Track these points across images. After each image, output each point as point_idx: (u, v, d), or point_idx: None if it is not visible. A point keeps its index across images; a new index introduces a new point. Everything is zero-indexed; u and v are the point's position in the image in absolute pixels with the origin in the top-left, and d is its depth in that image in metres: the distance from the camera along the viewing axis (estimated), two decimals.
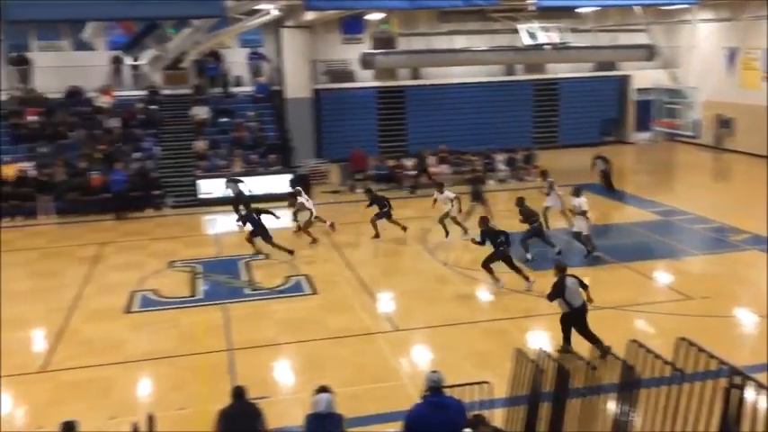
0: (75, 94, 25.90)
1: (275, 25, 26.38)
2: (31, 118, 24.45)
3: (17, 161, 22.69)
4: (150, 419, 7.46)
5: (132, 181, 22.09)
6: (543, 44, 24.59)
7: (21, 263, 17.06)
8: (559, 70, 30.91)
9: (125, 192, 21.60)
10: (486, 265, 13.68)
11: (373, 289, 14.23)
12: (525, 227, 15.55)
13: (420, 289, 14.23)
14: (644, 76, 30.76)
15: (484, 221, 14.15)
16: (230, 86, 27.87)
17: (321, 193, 23.70)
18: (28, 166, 22.52)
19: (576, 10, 27.63)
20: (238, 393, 7.47)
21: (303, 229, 17.52)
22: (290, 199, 17.97)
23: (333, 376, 9.37)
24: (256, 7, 22.83)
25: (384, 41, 29.50)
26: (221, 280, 15.07)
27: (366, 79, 29.23)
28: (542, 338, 11.33)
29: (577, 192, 15.55)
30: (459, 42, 28.41)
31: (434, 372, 6.85)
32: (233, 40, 27.73)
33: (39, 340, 12.45)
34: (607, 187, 22.39)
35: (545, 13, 24.79)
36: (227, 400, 7.47)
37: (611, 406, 7.05)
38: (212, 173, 23.20)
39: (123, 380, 10.51)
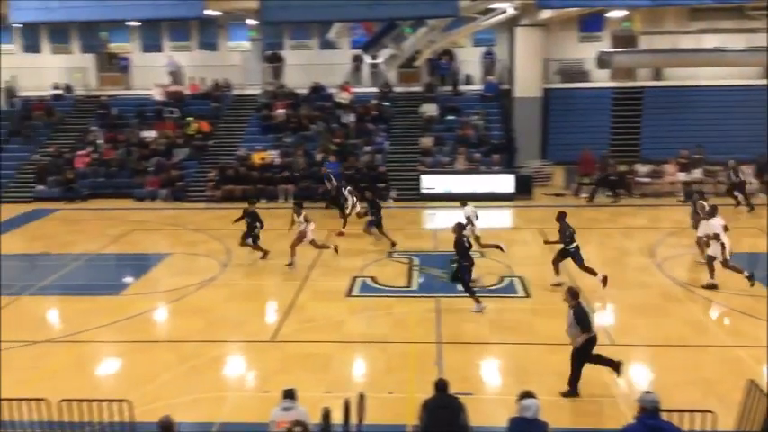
0: (317, 90, 28.06)
1: (509, 24, 26.27)
2: (279, 111, 26.95)
3: (265, 149, 25.15)
4: (361, 398, 7.86)
5: (362, 172, 23.38)
6: None
7: (265, 241, 18.69)
8: None
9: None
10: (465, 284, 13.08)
11: (591, 299, 13.59)
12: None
13: (643, 304, 13.31)
14: None
15: (459, 228, 13.17)
16: (460, 85, 28.37)
17: (542, 195, 23.21)
18: (273, 155, 24.87)
19: None
20: (441, 386, 7.56)
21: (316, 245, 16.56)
22: (295, 208, 16.72)
23: (538, 382, 9.11)
24: (492, 6, 22.91)
25: (624, 40, 28.12)
26: (436, 274, 15.39)
27: (601, 79, 28.09)
28: None
29: (712, 212, 14.16)
30: (710, 41, 26.31)
31: (649, 392, 6.44)
32: (467, 39, 28.12)
33: (271, 313, 13.73)
34: (733, 199, 21.07)
35: None
36: (432, 391, 7.59)
37: None
38: (435, 169, 23.76)
39: (340, 358, 11.18)
